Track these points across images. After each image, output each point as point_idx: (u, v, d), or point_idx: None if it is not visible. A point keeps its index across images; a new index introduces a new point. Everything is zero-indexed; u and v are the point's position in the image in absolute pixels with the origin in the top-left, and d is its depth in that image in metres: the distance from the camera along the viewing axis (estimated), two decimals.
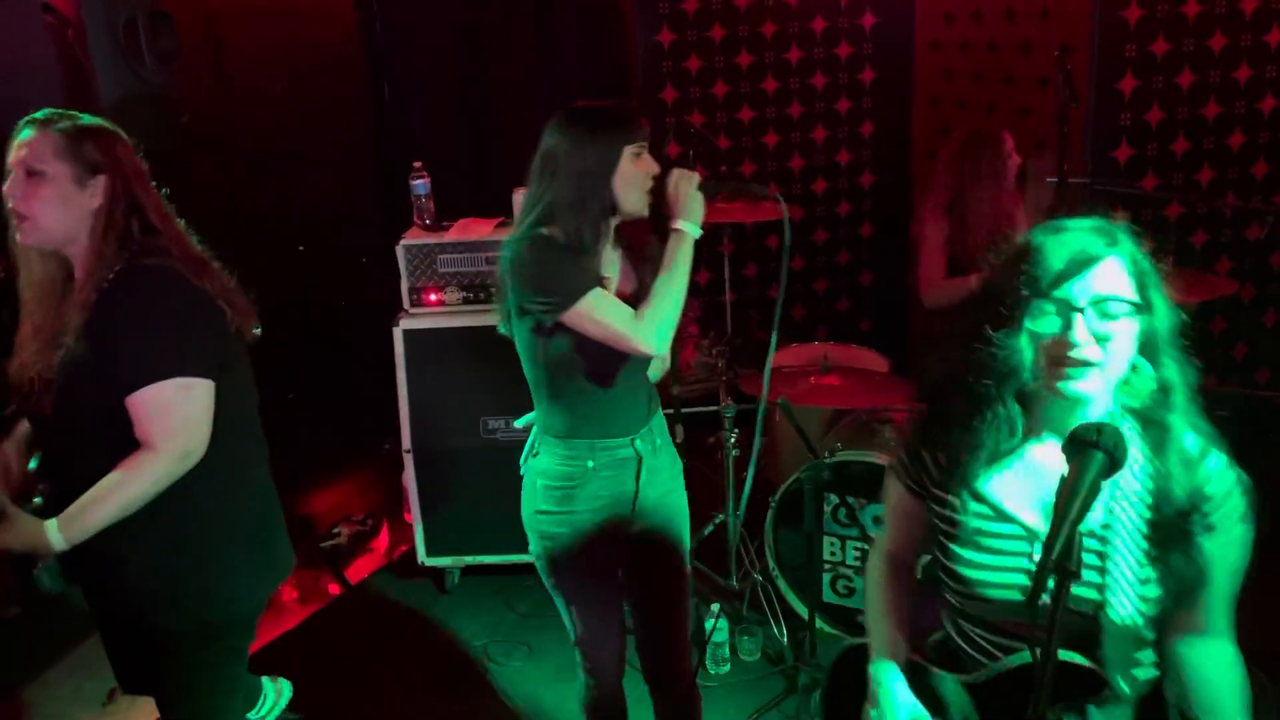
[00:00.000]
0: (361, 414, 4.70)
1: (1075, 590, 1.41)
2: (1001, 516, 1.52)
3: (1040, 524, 1.50)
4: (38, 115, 2.01)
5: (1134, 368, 1.44)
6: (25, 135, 1.99)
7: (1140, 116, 4.01)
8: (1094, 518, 1.45)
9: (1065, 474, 1.24)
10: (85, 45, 2.83)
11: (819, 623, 3.16)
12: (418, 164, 3.70)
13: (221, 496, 2.09)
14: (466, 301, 3.63)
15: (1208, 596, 1.46)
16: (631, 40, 4.65)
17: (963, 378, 1.49)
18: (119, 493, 1.94)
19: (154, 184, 2.11)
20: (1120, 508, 1.44)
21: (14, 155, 1.98)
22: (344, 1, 4.48)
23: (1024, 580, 1.49)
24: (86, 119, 2.04)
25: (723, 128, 4.78)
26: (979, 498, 1.53)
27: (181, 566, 2.07)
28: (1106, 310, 1.39)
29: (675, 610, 2.47)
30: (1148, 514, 1.43)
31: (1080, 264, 1.40)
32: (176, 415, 1.96)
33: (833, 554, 3.33)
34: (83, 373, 1.94)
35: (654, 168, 2.22)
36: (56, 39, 2.86)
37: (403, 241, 3.61)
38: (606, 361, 2.21)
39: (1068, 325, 1.39)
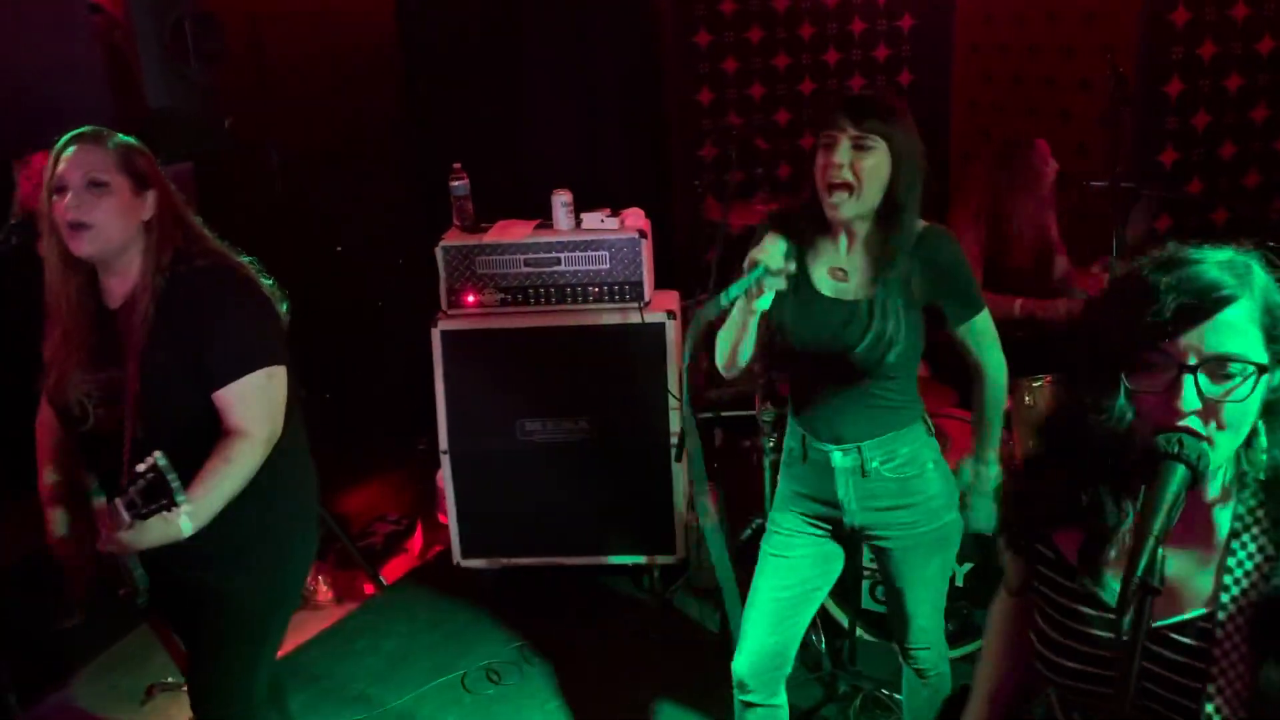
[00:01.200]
0: (397, 414, 4.71)
1: (1170, 693, 1.23)
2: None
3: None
4: (84, 131, 2.07)
5: (1253, 432, 1.20)
6: (74, 150, 2.03)
7: (1187, 120, 3.95)
8: (1194, 607, 1.23)
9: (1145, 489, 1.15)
10: (133, 46, 2.86)
11: (858, 631, 3.13)
12: (457, 165, 3.69)
13: (291, 472, 2.22)
14: (504, 303, 3.62)
15: None
16: (666, 42, 4.64)
17: (1059, 450, 1.29)
18: (228, 479, 2.01)
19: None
20: (1230, 596, 1.20)
21: (65, 167, 2.02)
22: (383, 4, 4.50)
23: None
24: (123, 137, 2.11)
25: (759, 129, 4.76)
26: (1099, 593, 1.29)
27: (256, 537, 2.17)
28: (1225, 371, 1.15)
29: (907, 604, 2.39)
30: (1263, 603, 1.19)
31: (1197, 311, 1.15)
32: (265, 402, 2.09)
33: (872, 560, 3.29)
34: (168, 379, 2.04)
35: (834, 158, 2.03)
36: (103, 39, 2.89)
37: (442, 243, 3.61)
38: (789, 363, 2.30)
39: (1176, 387, 1.16)
